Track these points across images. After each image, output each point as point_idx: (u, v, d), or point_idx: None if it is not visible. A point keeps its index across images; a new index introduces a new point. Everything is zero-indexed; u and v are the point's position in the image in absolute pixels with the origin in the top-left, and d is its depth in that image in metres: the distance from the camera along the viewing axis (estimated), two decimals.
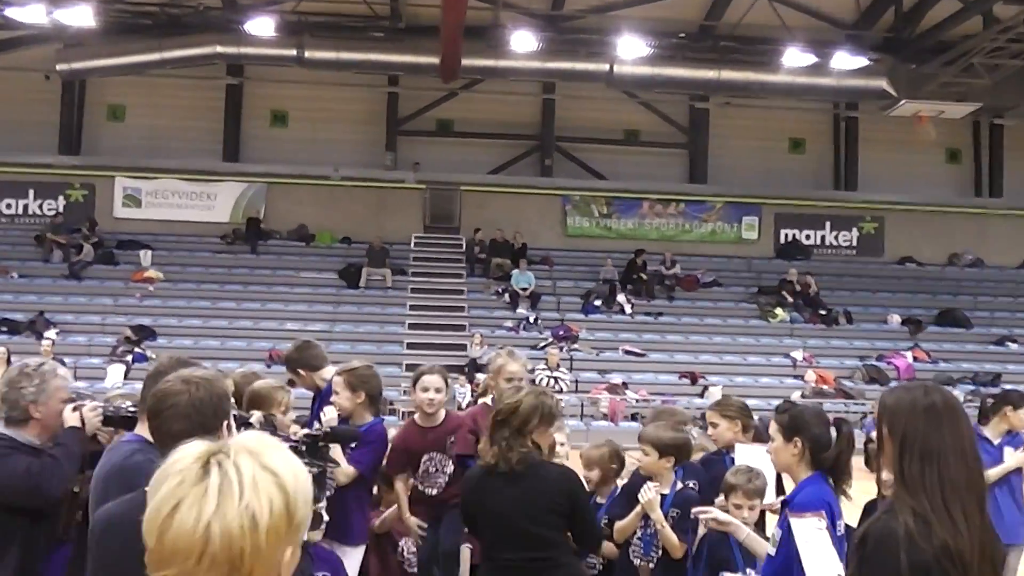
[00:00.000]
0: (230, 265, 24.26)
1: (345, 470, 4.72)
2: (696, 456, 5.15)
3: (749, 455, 4.67)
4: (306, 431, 3.67)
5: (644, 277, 24.38)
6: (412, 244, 25.03)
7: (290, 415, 5.04)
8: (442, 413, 5.28)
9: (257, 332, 22.07)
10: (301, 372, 5.41)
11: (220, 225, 24.97)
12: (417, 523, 5.19)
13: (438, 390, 5.20)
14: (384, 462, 5.15)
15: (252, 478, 1.46)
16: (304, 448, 3.30)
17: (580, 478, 4.26)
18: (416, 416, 5.37)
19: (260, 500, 1.45)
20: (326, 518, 3.66)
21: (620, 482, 5.19)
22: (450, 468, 5.21)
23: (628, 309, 23.78)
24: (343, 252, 25.03)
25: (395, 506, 5.31)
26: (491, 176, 26.03)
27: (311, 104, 25.56)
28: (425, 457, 5.24)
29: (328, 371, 5.37)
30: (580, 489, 4.16)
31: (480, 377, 21.68)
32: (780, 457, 3.62)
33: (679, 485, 4.82)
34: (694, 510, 4.30)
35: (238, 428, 2.92)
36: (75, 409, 3.49)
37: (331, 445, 3.76)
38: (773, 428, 3.68)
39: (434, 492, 5.23)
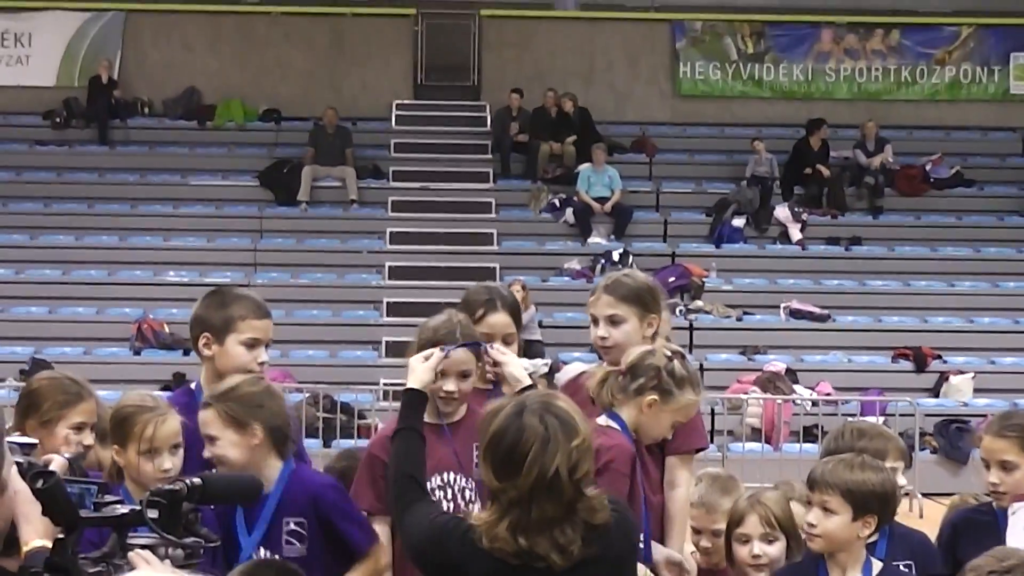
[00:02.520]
0: (61, 167, 24.50)
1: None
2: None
3: None
4: (162, 485, 3.47)
5: (825, 172, 24.31)
6: (394, 121, 25.21)
7: (174, 457, 5.16)
8: (464, 406, 5.58)
9: (113, 289, 22.25)
10: (202, 345, 5.67)
11: (41, 93, 25.19)
12: None
13: (465, 375, 5.43)
14: (353, 490, 5.49)
15: None
16: (157, 515, 3.29)
17: None
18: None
19: None
20: None
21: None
22: (477, 506, 5.46)
23: (796, 233, 23.79)
24: (268, 139, 25.24)
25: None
26: None
27: None
28: (431, 481, 5.44)
29: (239, 352, 5.61)
30: None
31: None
32: None
33: (876, 566, 5.03)
34: None
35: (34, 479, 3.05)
36: None
37: (199, 510, 3.57)
38: None
39: None
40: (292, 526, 5.24)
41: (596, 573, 4.35)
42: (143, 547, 3.26)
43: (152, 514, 3.27)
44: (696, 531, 5.91)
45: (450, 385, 5.39)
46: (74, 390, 5.26)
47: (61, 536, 3.17)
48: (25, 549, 3.25)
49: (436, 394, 5.40)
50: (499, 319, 5.74)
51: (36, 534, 3.25)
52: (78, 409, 5.16)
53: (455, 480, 5.52)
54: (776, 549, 5.37)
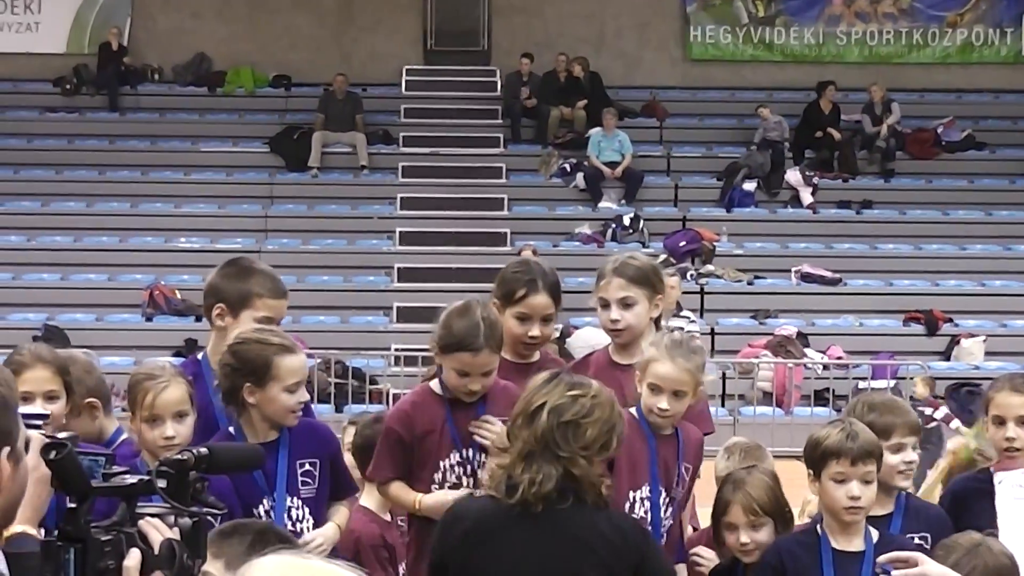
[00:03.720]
0: (72, 133, 24.59)
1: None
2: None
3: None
4: (171, 455, 3.56)
5: (836, 136, 24.32)
6: (404, 87, 25.21)
7: (179, 425, 5.21)
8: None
9: (124, 256, 22.37)
10: (215, 316, 5.72)
11: (51, 60, 25.23)
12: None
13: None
14: (373, 461, 5.69)
15: None
16: (166, 484, 3.32)
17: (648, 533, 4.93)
18: (434, 382, 5.73)
19: None
20: None
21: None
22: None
23: (807, 197, 23.81)
24: (278, 105, 25.32)
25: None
26: None
27: None
28: (450, 457, 5.55)
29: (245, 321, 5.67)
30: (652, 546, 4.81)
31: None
32: None
33: (874, 536, 5.12)
34: (882, 558, 4.49)
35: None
36: None
37: (206, 479, 3.63)
38: None
39: None
40: (307, 467, 5.39)
41: (570, 518, 4.59)
42: (152, 516, 3.27)
43: (161, 483, 3.30)
44: None
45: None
46: (17, 359, 5.16)
47: (73, 506, 3.21)
48: (6, 534, 3.28)
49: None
50: (540, 300, 5.73)
51: (21, 518, 3.28)
52: (22, 378, 5.00)
53: (479, 459, 5.59)
54: (764, 534, 5.38)
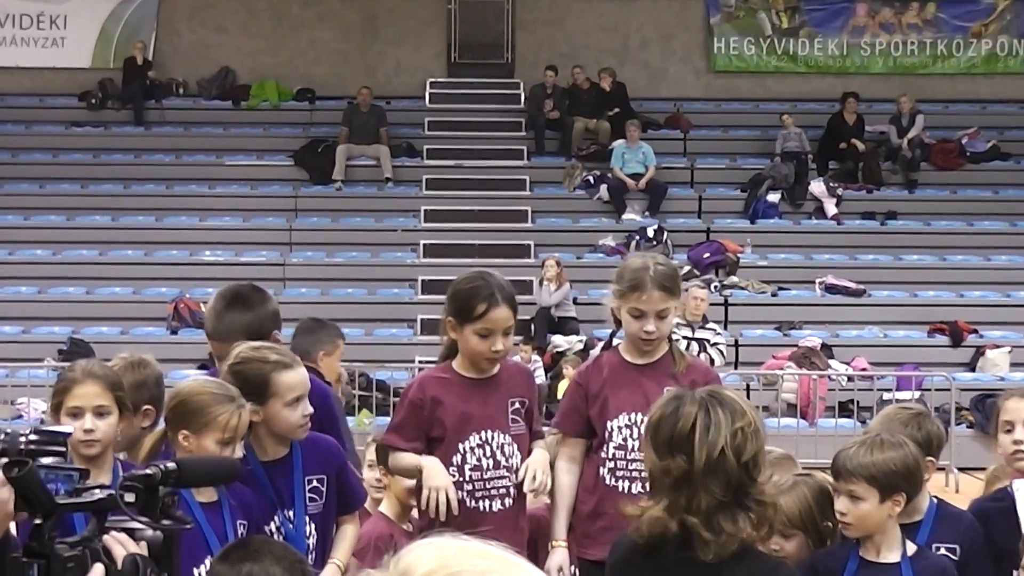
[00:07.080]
0: (96, 148, 24.65)
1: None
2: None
3: None
4: (139, 470, 3.61)
5: (860, 147, 24.25)
6: (428, 100, 25.25)
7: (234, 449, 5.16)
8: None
9: (149, 269, 22.44)
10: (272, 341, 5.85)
11: (75, 74, 25.37)
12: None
13: (507, 332, 5.75)
14: (391, 429, 5.81)
15: None
16: (134, 499, 3.38)
17: None
18: (455, 361, 5.85)
19: None
20: None
21: None
22: (516, 459, 5.76)
23: (831, 208, 23.74)
24: (302, 118, 25.34)
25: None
26: None
27: None
28: (470, 439, 5.69)
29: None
30: None
31: (560, 341, 23.19)
32: None
33: (910, 548, 5.04)
34: None
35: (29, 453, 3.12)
36: None
37: (177, 494, 3.71)
38: None
39: (494, 506, 5.76)
40: (314, 483, 5.41)
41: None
42: (122, 530, 3.29)
43: (129, 498, 3.34)
44: None
45: (498, 344, 5.68)
46: (68, 375, 5.15)
47: (39, 522, 3.24)
48: None
49: (483, 356, 5.68)
50: (501, 314, 5.70)
51: None
52: (73, 394, 5.04)
53: (498, 440, 5.74)
54: (792, 545, 5.30)
